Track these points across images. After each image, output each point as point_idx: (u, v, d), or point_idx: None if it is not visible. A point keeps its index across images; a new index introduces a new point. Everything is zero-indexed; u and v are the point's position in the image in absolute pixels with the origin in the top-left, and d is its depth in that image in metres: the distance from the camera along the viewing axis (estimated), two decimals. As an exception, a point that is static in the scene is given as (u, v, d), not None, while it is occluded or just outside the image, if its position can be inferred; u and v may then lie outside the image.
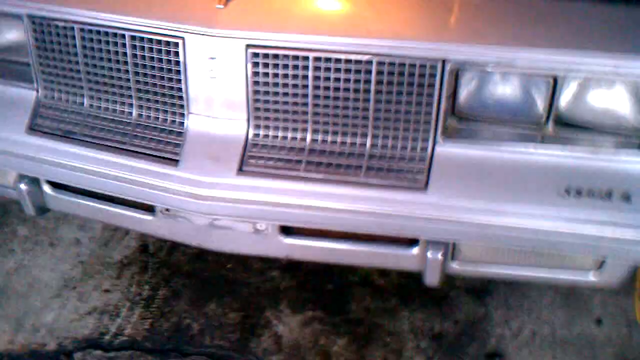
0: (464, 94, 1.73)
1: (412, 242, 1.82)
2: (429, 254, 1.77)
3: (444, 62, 1.65)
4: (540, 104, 1.70)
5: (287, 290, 2.56)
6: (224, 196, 1.75)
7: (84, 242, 2.75)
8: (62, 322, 2.44)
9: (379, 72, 1.66)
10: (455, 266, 1.84)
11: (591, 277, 1.77)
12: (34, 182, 1.99)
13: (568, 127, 1.72)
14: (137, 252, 2.70)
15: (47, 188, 2.01)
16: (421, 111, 1.70)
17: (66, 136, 1.88)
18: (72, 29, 1.80)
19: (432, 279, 1.81)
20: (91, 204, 1.98)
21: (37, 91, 1.93)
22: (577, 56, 1.59)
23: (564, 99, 1.68)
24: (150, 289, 2.55)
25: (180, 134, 1.82)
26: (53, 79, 1.90)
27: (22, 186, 1.98)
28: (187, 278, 2.60)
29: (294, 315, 2.46)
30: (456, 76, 1.69)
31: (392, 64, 1.65)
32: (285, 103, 1.74)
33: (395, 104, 1.70)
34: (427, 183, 1.71)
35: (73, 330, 2.40)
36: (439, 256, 1.76)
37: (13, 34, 1.91)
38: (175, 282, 2.59)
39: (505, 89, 1.71)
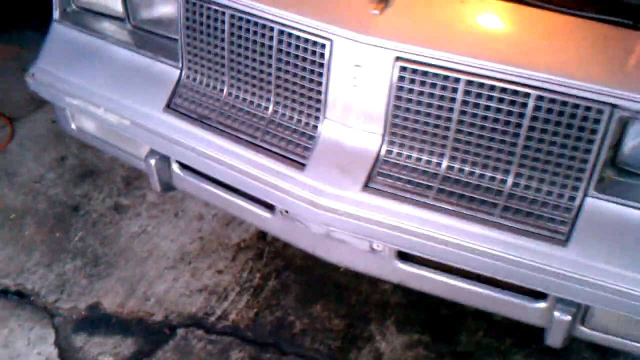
0: (629, 145, 1.53)
1: (540, 295, 1.65)
2: (557, 313, 1.60)
3: (612, 108, 1.45)
4: None
5: (397, 306, 2.45)
6: (345, 210, 1.67)
7: (207, 218, 2.77)
8: (172, 295, 2.47)
9: (536, 108, 1.50)
10: (584, 330, 1.66)
11: None
12: (164, 159, 2.00)
13: None
14: (255, 237, 2.69)
15: (175, 167, 2.02)
16: (576, 157, 1.52)
17: (200, 120, 1.86)
18: (224, 13, 1.77)
19: (555, 339, 1.64)
20: (214, 190, 1.96)
21: (181, 70, 1.92)
22: None
23: None
24: (261, 278, 2.54)
25: (312, 137, 1.75)
26: (197, 60, 1.88)
27: (152, 161, 1.99)
28: (298, 274, 2.55)
29: (399, 335, 2.36)
30: (624, 126, 1.49)
31: (552, 101, 1.49)
32: (427, 124, 1.62)
33: (548, 145, 1.53)
34: (569, 237, 1.53)
35: (181, 306, 2.43)
36: (567, 317, 1.59)
37: (167, 8, 1.91)
38: (287, 275, 2.55)
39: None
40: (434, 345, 2.32)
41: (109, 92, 1.98)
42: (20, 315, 2.39)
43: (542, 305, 1.64)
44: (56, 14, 2.12)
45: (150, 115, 1.91)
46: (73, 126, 2.21)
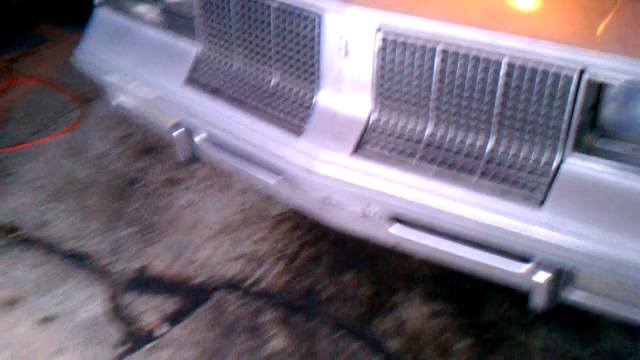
0: (607, 109, 1.52)
1: (524, 258, 1.67)
2: (536, 276, 1.61)
3: (581, 71, 1.46)
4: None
5: (424, 278, 2.50)
6: (335, 174, 1.75)
7: (251, 192, 2.93)
8: (213, 260, 2.64)
9: (508, 73, 1.53)
10: (569, 295, 1.66)
11: None
12: (187, 130, 2.16)
13: None
14: (293, 211, 2.81)
15: (197, 138, 2.17)
16: (551, 122, 1.54)
17: (214, 93, 2.00)
18: (231, -7, 1.89)
19: (537, 302, 1.66)
20: (230, 160, 2.10)
21: (198, 47, 2.07)
22: None
23: None
24: (296, 248, 2.66)
25: (309, 106, 1.84)
26: (211, 37, 2.02)
27: (176, 133, 2.15)
28: (332, 244, 2.66)
29: (423, 305, 2.41)
30: (599, 89, 1.49)
31: (523, 66, 1.51)
32: (409, 91, 1.68)
33: (522, 110, 1.55)
34: (544, 199, 1.55)
35: (220, 270, 2.60)
36: (546, 279, 1.60)
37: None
38: (321, 246, 2.66)
39: (657, 110, 1.47)
40: (457, 316, 2.36)
41: (140, 68, 2.17)
42: (78, 275, 2.64)
43: (524, 269, 1.66)
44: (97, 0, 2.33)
45: (173, 89, 2.08)
46: (115, 102, 2.42)
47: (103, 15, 2.28)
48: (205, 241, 2.72)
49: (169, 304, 2.49)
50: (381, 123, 1.75)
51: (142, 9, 2.22)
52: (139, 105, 2.30)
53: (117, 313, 2.47)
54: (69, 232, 2.81)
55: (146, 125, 2.43)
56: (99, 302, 2.51)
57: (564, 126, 1.53)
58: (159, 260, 2.66)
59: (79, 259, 2.69)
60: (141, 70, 2.15)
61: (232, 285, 2.54)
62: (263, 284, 2.53)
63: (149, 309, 2.48)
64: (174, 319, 2.43)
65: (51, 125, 3.44)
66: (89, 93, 3.59)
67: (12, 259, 2.72)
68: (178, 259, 2.66)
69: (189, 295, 2.51)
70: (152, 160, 3.14)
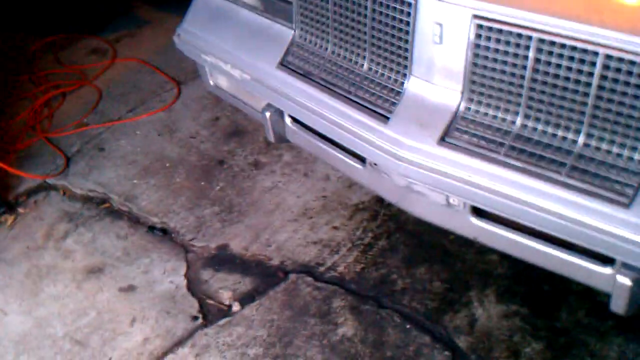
0: None
1: (608, 260, 1.64)
2: (619, 277, 1.58)
3: (683, 67, 1.42)
4: None
5: (500, 277, 2.47)
6: (421, 162, 1.77)
7: (332, 179, 2.97)
8: (291, 244, 2.69)
9: (605, 67, 1.50)
10: (652, 300, 1.62)
11: None
12: (278, 112, 2.21)
13: None
14: (373, 200, 2.83)
15: (287, 120, 2.22)
16: (647, 119, 1.50)
17: (306, 76, 2.05)
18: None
19: (618, 305, 1.62)
20: (318, 143, 2.14)
21: (294, 31, 2.12)
22: None
23: None
24: (372, 237, 2.68)
25: (398, 93, 1.86)
26: (307, 22, 2.07)
27: (267, 114, 2.21)
28: (408, 236, 2.66)
29: (498, 304, 2.38)
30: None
31: (620, 59, 1.48)
32: (501, 81, 1.67)
33: (617, 105, 1.52)
34: (633, 199, 1.51)
35: (296, 254, 2.65)
36: (630, 282, 1.56)
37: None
38: (397, 237, 2.67)
39: None
40: (531, 318, 2.32)
41: (235, 50, 2.24)
42: (161, 249, 2.74)
43: (608, 270, 1.63)
44: (201, -18, 2.42)
45: (266, 71, 2.14)
46: (211, 82, 2.50)
47: (204, -3, 2.37)
48: (285, 224, 2.78)
49: (245, 283, 2.56)
50: (470, 113, 1.75)
51: (241, -9, 2.29)
52: (234, 86, 2.37)
53: (196, 287, 2.56)
54: (157, 207, 2.93)
55: (239, 106, 2.50)
56: (180, 276, 2.61)
57: (660, 125, 1.48)
58: (239, 240, 2.74)
59: (164, 233, 2.80)
60: (238, 52, 2.22)
61: (307, 269, 2.59)
62: (337, 271, 2.57)
63: (226, 286, 2.55)
64: (249, 298, 2.50)
65: (147, 104, 3.59)
66: (184, 75, 3.73)
67: (101, 228, 2.85)
68: (257, 240, 2.73)
69: (265, 277, 2.58)
70: (240, 142, 3.22)
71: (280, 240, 2.71)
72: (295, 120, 2.20)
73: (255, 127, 3.28)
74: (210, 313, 2.45)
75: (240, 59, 2.21)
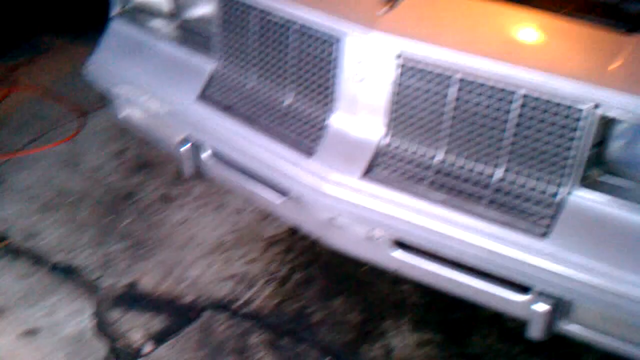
0: (615, 145, 1.59)
1: (524, 288, 1.71)
2: (535, 305, 1.65)
3: (594, 107, 1.52)
4: (698, 175, 1.50)
5: (414, 306, 2.53)
6: (344, 196, 1.79)
7: (245, 213, 2.95)
8: (204, 280, 2.64)
9: (523, 104, 1.59)
10: (565, 326, 1.70)
11: None
12: (196, 146, 2.18)
13: None
14: (287, 233, 2.83)
15: (205, 154, 2.19)
16: (560, 154, 1.59)
17: (227, 110, 2.04)
18: (252, 13, 1.94)
19: (534, 332, 1.69)
20: (237, 177, 2.12)
21: (215, 64, 2.11)
22: None
23: None
24: (288, 270, 2.67)
25: (322, 128, 1.88)
26: (229, 55, 2.06)
27: (184, 148, 2.18)
28: (323, 269, 2.68)
29: (412, 333, 2.43)
30: (607, 125, 1.56)
31: (537, 98, 1.57)
32: (424, 118, 1.73)
33: (533, 141, 1.61)
34: (549, 230, 1.60)
35: (210, 290, 2.60)
36: (546, 310, 1.64)
37: (207, 8, 2.10)
38: (312, 270, 2.68)
39: (662, 150, 1.54)
40: (444, 346, 2.39)
41: (151, 82, 2.20)
42: (66, 288, 2.61)
43: (525, 298, 1.70)
44: (114, 12, 2.36)
45: (184, 104, 2.11)
46: (122, 114, 2.43)
47: (118, 28, 2.32)
48: (197, 260, 2.73)
49: (157, 322, 2.48)
50: (392, 148, 1.79)
51: (157, 23, 2.26)
52: (147, 119, 2.32)
53: (104, 329, 2.45)
54: (59, 244, 2.80)
55: (151, 139, 2.45)
56: (86, 317, 2.49)
57: (572, 160, 1.58)
58: (149, 277, 2.66)
59: (67, 272, 2.67)
60: (154, 84, 2.17)
61: (222, 305, 2.54)
62: (253, 306, 2.54)
63: (136, 326, 2.46)
64: (161, 338, 2.42)
65: (49, 134, 3.43)
66: (89, 105, 3.60)
67: (0, 268, 2.69)
68: (168, 277, 2.66)
69: (178, 314, 2.51)
70: (148, 175, 3.14)
71: (193, 276, 2.65)
72: (213, 154, 2.18)
73: (164, 160, 3.21)
74: (121, 355, 2.36)
75: (156, 90, 2.17)
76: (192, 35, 2.16)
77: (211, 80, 2.10)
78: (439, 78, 1.66)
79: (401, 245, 1.84)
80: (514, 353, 2.35)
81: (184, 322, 2.48)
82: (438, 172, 1.74)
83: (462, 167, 1.72)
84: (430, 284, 1.86)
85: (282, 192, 2.02)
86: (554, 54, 1.61)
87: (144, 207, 2.98)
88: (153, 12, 2.28)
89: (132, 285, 2.62)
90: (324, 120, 1.88)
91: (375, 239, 1.85)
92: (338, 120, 1.86)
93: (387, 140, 1.80)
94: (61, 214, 2.94)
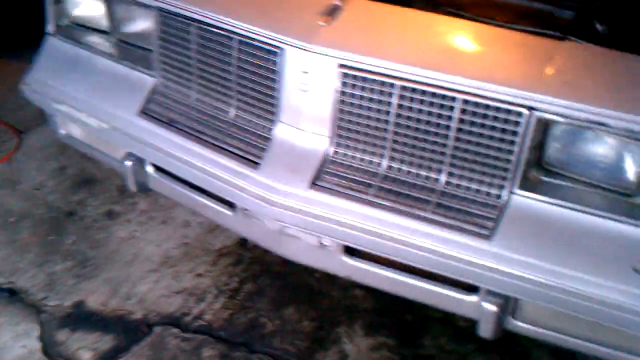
0: (552, 147, 1.64)
1: (473, 288, 1.75)
2: (484, 304, 1.70)
3: (530, 111, 1.58)
4: (633, 172, 1.57)
5: (366, 311, 2.55)
6: (293, 206, 1.80)
7: (193, 225, 2.92)
8: (153, 295, 2.61)
9: (463, 111, 1.63)
10: (514, 323, 1.75)
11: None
12: (139, 161, 2.16)
13: (661, 202, 1.58)
14: (236, 244, 2.82)
15: (150, 169, 2.17)
16: (501, 158, 1.64)
17: (170, 124, 2.02)
18: (191, 25, 1.93)
19: (485, 331, 1.74)
20: (184, 191, 2.11)
21: (155, 78, 2.09)
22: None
23: (660, 172, 1.55)
24: (238, 282, 2.66)
25: (267, 139, 1.89)
26: (169, 69, 2.05)
27: (128, 163, 2.15)
28: (274, 278, 2.68)
29: (366, 338, 2.45)
30: (545, 128, 1.61)
31: (476, 104, 1.61)
32: (368, 126, 1.75)
33: (475, 146, 1.65)
34: (494, 231, 1.64)
35: (160, 305, 2.56)
36: (494, 309, 1.69)
37: (145, 23, 2.08)
38: (263, 280, 2.67)
39: (597, 150, 1.60)
40: (398, 348, 2.41)
41: (91, 98, 2.16)
42: (10, 311, 2.54)
43: (474, 298, 1.74)
44: (50, 28, 2.31)
45: (126, 119, 2.08)
46: (62, 131, 2.39)
47: (55, 44, 2.27)
48: (145, 275, 2.69)
49: (106, 341, 2.44)
50: (339, 157, 1.81)
51: (95, 38, 2.22)
52: (90, 135, 2.28)
53: (52, 350, 2.39)
54: (1, 265, 2.72)
55: (95, 155, 2.40)
56: (33, 339, 2.43)
57: (512, 162, 1.63)
58: (96, 296, 2.61)
59: (12, 293, 2.60)
60: (94, 100, 2.14)
61: (173, 321, 2.51)
62: (204, 319, 2.52)
63: (86, 346, 2.41)
64: (111, 357, 2.37)
65: (-16, 154, 3.34)
66: (26, 123, 3.50)
67: (-62, 293, 2.60)
68: (116, 294, 2.61)
69: (127, 332, 2.47)
70: (90, 192, 3.09)
71: (142, 292, 2.62)
72: (158, 168, 2.15)
73: (106, 175, 3.16)
74: (69, 377, 2.31)
75: (97, 107, 2.14)
76: (131, 50, 2.13)
77: (152, 95, 2.08)
78: (380, 88, 1.69)
79: (351, 251, 1.86)
80: (466, 352, 2.40)
81: (134, 340, 2.44)
82: (385, 178, 1.76)
83: (408, 173, 1.75)
84: (382, 289, 1.89)
85: (230, 204, 2.02)
86: (491, 61, 1.66)
87: (87, 224, 2.92)
88: (90, 28, 2.24)
89: (78, 305, 2.57)
90: (269, 131, 1.89)
91: (325, 246, 1.86)
92: (283, 131, 1.86)
93: (333, 149, 1.81)
94: (1, 235, 2.85)
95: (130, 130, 2.07)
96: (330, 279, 2.65)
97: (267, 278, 2.68)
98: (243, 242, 2.82)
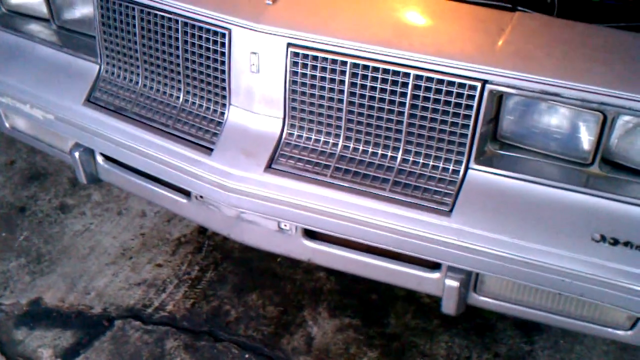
0: (507, 120, 1.63)
1: (435, 265, 1.74)
2: (447, 281, 1.69)
3: (484, 84, 1.56)
4: (587, 142, 1.57)
5: (330, 293, 2.53)
6: (250, 191, 1.75)
7: (150, 215, 2.86)
8: (112, 289, 2.55)
9: (416, 87, 1.60)
10: (476, 297, 1.75)
11: (622, 334, 1.62)
12: (88, 151, 2.09)
13: (616, 169, 1.58)
14: (195, 232, 2.77)
15: (99, 159, 2.10)
16: (456, 132, 1.62)
17: (118, 112, 1.96)
18: (134, 9, 1.86)
19: (448, 307, 1.73)
20: (136, 180, 2.05)
21: (100, 66, 2.01)
22: (629, 94, 1.45)
23: (614, 139, 1.54)
24: (199, 270, 2.61)
25: (219, 124, 1.84)
26: (114, 55, 1.98)
27: (77, 154, 2.08)
28: (236, 265, 2.64)
29: (331, 319, 2.44)
30: (499, 101, 1.59)
31: (429, 79, 1.59)
32: (321, 106, 1.71)
33: (429, 121, 1.63)
34: (453, 207, 1.63)
35: (119, 299, 2.51)
36: (457, 284, 1.68)
37: (85, 9, 2.01)
38: (224, 267, 2.63)
39: (551, 121, 1.59)
40: (363, 328, 2.40)
41: (35, 89, 2.08)
42: (-37, 312, 2.46)
43: (436, 275, 1.73)
44: (-14, 17, 2.21)
45: (72, 109, 2.01)
46: (7, 125, 2.30)
47: (-8, 34, 2.18)
48: (103, 268, 2.63)
49: (66, 337, 2.38)
50: (294, 138, 1.77)
51: (35, 27, 2.14)
52: (35, 127, 2.20)
53: (11, 350, 2.33)
54: (-49, 266, 2.63)
55: (42, 148, 2.32)
56: (-11, 339, 2.36)
57: (468, 136, 1.62)
58: (53, 292, 2.54)
59: (-37, 294, 2.52)
60: (37, 91, 2.06)
61: (134, 313, 2.46)
62: (166, 310, 2.47)
63: (45, 344, 2.36)
64: (72, 353, 2.32)
65: None
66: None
67: None
68: (73, 289, 2.55)
69: (87, 327, 2.41)
70: (41, 186, 2.99)
71: (100, 286, 2.56)
72: (108, 158, 2.09)
73: (57, 168, 3.07)
74: (30, 376, 2.25)
75: (41, 98, 2.06)
76: (73, 37, 2.06)
77: (98, 83, 2.01)
78: (331, 66, 1.65)
79: (311, 234, 1.83)
80: (431, 328, 2.40)
81: (94, 335, 2.39)
82: (341, 158, 1.73)
83: (364, 152, 1.72)
84: (345, 270, 1.87)
85: (185, 192, 1.97)
86: (442, 35, 1.63)
87: (40, 219, 2.83)
88: (29, 16, 2.15)
89: (36, 302, 2.50)
90: (222, 115, 1.84)
91: (284, 231, 1.83)
92: (236, 115, 1.82)
93: (287, 131, 1.77)
94: (-50, 235, 2.76)
95: (76, 120, 2.00)
96: (293, 262, 2.62)
97: (228, 265, 2.64)
98: (202, 230, 2.77)
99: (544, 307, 1.69)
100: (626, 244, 1.50)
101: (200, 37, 1.78)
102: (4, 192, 2.97)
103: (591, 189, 1.57)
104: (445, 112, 1.60)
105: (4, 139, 3.21)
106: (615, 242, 1.50)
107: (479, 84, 1.56)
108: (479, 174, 1.64)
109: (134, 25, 1.88)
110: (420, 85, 1.60)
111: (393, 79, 1.61)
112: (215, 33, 1.75)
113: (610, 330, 1.64)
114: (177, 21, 1.80)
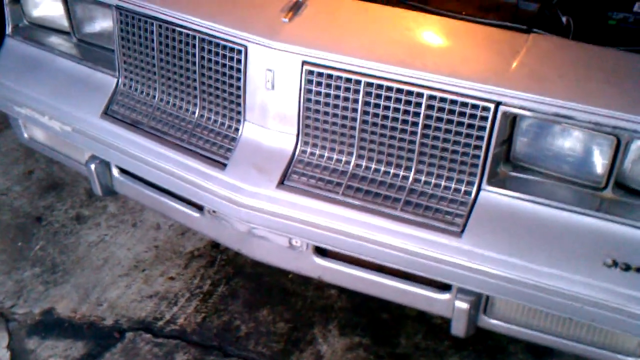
0: (520, 141, 1.63)
1: (446, 287, 1.73)
2: (457, 302, 1.67)
3: (497, 105, 1.55)
4: (601, 165, 1.56)
5: (341, 311, 2.52)
6: (261, 207, 1.76)
7: (164, 228, 2.87)
8: (124, 300, 2.56)
9: (429, 107, 1.60)
10: (486, 320, 1.73)
11: (634, 362, 1.60)
12: (104, 163, 2.11)
13: (630, 194, 1.57)
14: (208, 246, 2.78)
15: (115, 171, 2.12)
16: (469, 153, 1.62)
17: (134, 125, 1.98)
18: (152, 24, 1.89)
19: (457, 328, 1.72)
20: (151, 193, 2.06)
21: (117, 79, 2.04)
22: (641, 118, 1.45)
23: (628, 163, 1.53)
24: (211, 284, 2.62)
25: (233, 139, 1.85)
26: (132, 69, 2.00)
27: (92, 166, 2.10)
28: (247, 280, 2.64)
29: (341, 338, 2.43)
30: (512, 122, 1.59)
31: (443, 99, 1.59)
32: (334, 124, 1.72)
33: (442, 142, 1.63)
34: (464, 228, 1.62)
35: (131, 311, 2.52)
36: (467, 306, 1.67)
37: (105, 23, 2.04)
38: (236, 282, 2.63)
39: (565, 144, 1.59)
40: (373, 348, 2.39)
41: (53, 100, 2.11)
42: (-23, 320, 2.48)
43: (446, 296, 1.72)
44: (9, 29, 2.25)
45: (89, 121, 2.03)
46: (25, 135, 2.33)
47: (15, 45, 2.22)
48: (116, 280, 2.64)
49: (77, 348, 2.39)
50: (307, 155, 1.78)
51: (56, 39, 2.17)
52: (53, 139, 2.23)
53: (22, 359, 2.33)
54: (-33, 273, 2.66)
55: (59, 159, 2.35)
56: (1, 348, 2.37)
57: (481, 158, 1.61)
58: (66, 302, 2.55)
59: (-22, 302, 2.54)
60: (56, 102, 2.09)
61: (145, 326, 2.47)
62: (177, 324, 2.48)
63: (56, 354, 2.37)
64: (82, 363, 2.33)
65: (-53, 161, 3.26)
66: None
67: None
68: (86, 300, 2.56)
69: (98, 339, 2.42)
70: (58, 196, 3.02)
71: (112, 298, 2.57)
72: (123, 171, 2.11)
73: (74, 179, 3.10)
74: (40, 386, 2.26)
75: (59, 109, 2.09)
76: (92, 50, 2.09)
77: (115, 96, 2.03)
78: (345, 85, 1.66)
79: (322, 252, 1.83)
80: (441, 349, 2.38)
81: (105, 347, 2.39)
82: (353, 177, 1.74)
83: (376, 171, 1.72)
84: (355, 289, 1.86)
85: (198, 206, 1.98)
86: (456, 56, 1.63)
87: (56, 229, 2.86)
88: (50, 28, 2.19)
89: (48, 312, 2.51)
90: (236, 130, 1.85)
91: (296, 247, 1.83)
92: (250, 130, 1.83)
93: (301, 148, 1.78)
94: (-33, 243, 2.79)
95: (93, 133, 2.03)
96: (305, 279, 2.61)
97: (240, 280, 2.64)
98: (215, 244, 2.78)
99: (554, 332, 1.67)
100: (638, 269, 1.48)
101: (217, 53, 1.79)
102: (22, 201, 3.00)
103: (604, 213, 1.56)
104: (458, 133, 1.60)
105: (22, 150, 3.25)
106: (627, 267, 1.49)
107: (492, 105, 1.55)
108: (491, 196, 1.63)
109: (152, 40, 1.90)
110: (434, 106, 1.60)
111: (406, 98, 1.62)
112: (232, 49, 1.76)
113: (621, 357, 1.62)
114: (194, 37, 1.82)
